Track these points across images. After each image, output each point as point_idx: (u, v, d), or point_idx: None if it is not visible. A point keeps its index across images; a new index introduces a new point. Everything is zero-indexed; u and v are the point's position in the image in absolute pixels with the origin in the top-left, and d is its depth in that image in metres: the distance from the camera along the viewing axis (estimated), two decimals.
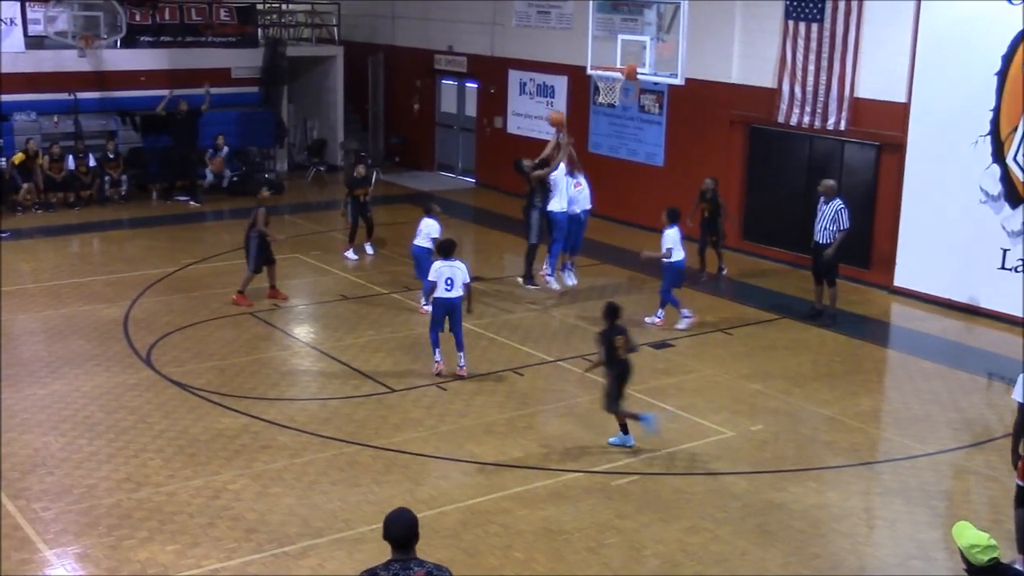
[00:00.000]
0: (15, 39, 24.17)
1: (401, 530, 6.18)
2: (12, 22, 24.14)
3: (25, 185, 22.71)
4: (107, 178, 23.86)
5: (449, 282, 13.82)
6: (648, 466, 11.69)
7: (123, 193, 23.99)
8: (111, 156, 23.96)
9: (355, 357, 14.77)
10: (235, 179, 25.27)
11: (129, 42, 25.36)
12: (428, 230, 16.75)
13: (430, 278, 13.94)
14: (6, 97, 23.72)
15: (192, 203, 23.90)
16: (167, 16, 26.41)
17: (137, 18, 25.71)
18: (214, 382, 13.80)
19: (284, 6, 29.65)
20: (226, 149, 24.83)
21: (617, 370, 11.94)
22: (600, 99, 22.99)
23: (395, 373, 14.25)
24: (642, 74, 17.99)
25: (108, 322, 15.96)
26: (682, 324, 16.15)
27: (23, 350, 15.01)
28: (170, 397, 13.37)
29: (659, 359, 15.05)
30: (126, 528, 10.17)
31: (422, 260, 16.46)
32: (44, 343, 15.24)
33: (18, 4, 24.17)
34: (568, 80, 23.78)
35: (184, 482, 11.10)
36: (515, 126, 25.62)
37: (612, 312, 11.99)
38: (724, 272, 18.99)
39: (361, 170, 19.65)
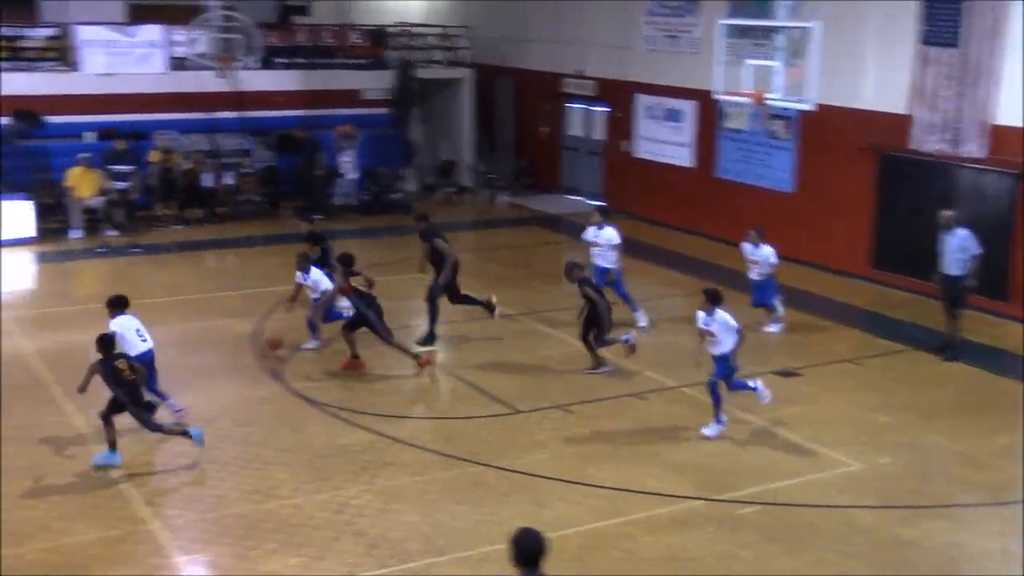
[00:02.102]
0: (158, 61, 25.04)
1: (533, 547, 6.25)
2: (154, 44, 25.01)
3: (160, 204, 23.59)
4: (243, 196, 24.52)
5: (140, 333, 12.96)
6: (772, 496, 11.51)
7: (257, 210, 24.59)
8: (246, 174, 24.61)
9: (481, 377, 14.85)
10: (366, 199, 25.70)
11: (266, 64, 26.07)
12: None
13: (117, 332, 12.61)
14: (148, 116, 24.56)
15: (321, 219, 24.36)
16: (303, 39, 27.09)
17: (275, 40, 26.44)
18: (342, 398, 14.02)
19: (415, 29, 30.10)
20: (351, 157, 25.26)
21: (122, 392, 11.78)
22: (728, 124, 22.88)
23: (521, 394, 14.29)
24: (771, 99, 17.83)
25: (241, 336, 16.33)
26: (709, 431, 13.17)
27: (158, 362, 15.41)
28: (298, 412, 13.64)
29: (785, 388, 14.80)
30: (253, 539, 10.39)
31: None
32: (179, 355, 15.62)
33: (160, 27, 25.05)
34: (696, 105, 23.65)
35: (310, 496, 11.30)
36: (643, 150, 25.56)
37: (103, 343, 11.87)
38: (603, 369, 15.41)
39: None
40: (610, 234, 16.91)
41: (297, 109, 26.29)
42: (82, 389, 11.86)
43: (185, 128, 24.93)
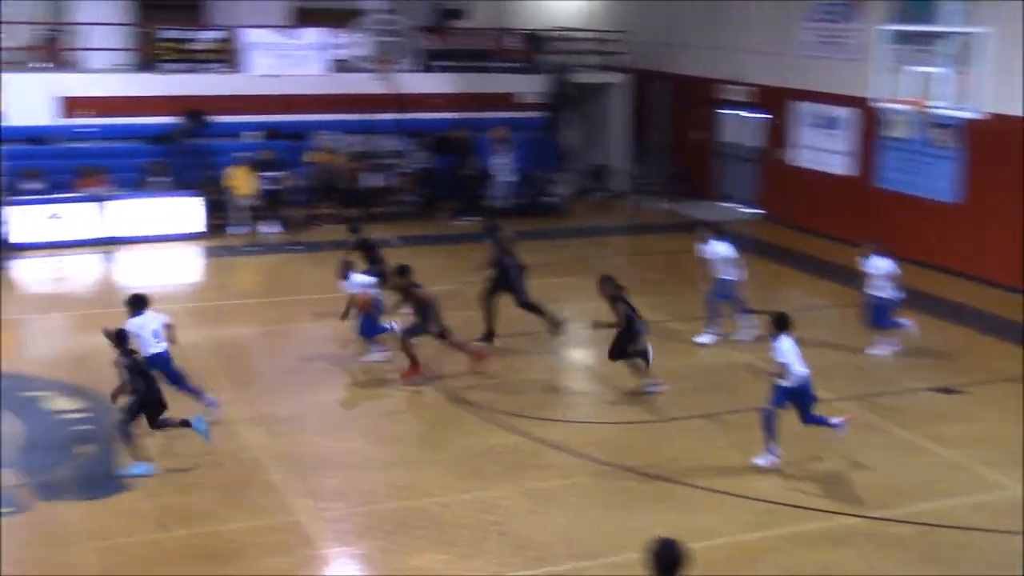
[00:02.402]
0: (319, 63, 25.66)
1: (670, 557, 6.20)
2: (316, 47, 25.63)
3: (319, 205, 24.22)
4: (399, 196, 24.93)
5: (156, 335, 12.84)
6: (930, 516, 11.14)
7: (413, 211, 24.96)
8: (403, 175, 25.05)
9: (630, 383, 14.73)
10: (521, 201, 25.87)
11: (424, 66, 26.46)
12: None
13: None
14: (308, 117, 25.18)
15: (477, 220, 24.69)
16: (460, 42, 27.43)
17: (433, 44, 26.87)
18: (491, 400, 14.11)
19: (571, 33, 30.12)
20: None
21: (141, 395, 11.60)
22: (888, 132, 22.29)
23: (669, 401, 14.18)
24: (935, 107, 17.31)
25: (393, 334, 16.52)
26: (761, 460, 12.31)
27: (312, 357, 15.77)
28: (448, 412, 13.78)
29: (944, 404, 14.36)
30: (401, 534, 10.53)
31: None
32: (332, 352, 15.95)
33: (322, 30, 25.66)
34: (855, 112, 23.10)
35: (457, 495, 11.39)
36: (800, 158, 25.10)
37: (119, 337, 11.71)
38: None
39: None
40: (719, 248, 16.62)
41: (452, 111, 26.63)
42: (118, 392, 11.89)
43: (344, 129, 25.46)
